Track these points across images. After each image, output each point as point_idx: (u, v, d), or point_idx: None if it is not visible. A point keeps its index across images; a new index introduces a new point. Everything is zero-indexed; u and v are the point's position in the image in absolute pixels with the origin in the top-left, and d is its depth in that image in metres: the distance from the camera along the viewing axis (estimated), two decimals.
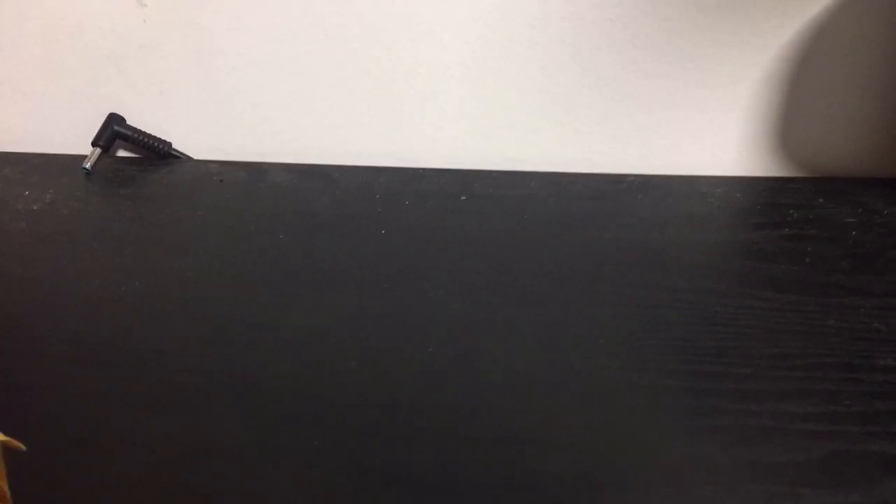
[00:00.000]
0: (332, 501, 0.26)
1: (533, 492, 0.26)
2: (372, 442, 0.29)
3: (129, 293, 0.39)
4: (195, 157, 0.60)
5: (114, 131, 0.58)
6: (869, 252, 0.43)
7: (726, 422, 0.30)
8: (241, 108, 0.58)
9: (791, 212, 0.49)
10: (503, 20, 0.52)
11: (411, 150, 0.57)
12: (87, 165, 0.57)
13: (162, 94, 0.58)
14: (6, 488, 0.24)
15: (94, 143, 0.58)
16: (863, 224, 0.47)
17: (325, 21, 0.54)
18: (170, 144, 0.60)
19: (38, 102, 0.60)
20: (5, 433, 0.24)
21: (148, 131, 0.59)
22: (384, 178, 0.52)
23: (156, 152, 0.60)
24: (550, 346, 0.34)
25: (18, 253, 0.44)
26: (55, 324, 0.37)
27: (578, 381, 0.32)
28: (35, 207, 0.50)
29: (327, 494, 0.26)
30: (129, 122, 0.60)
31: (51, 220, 0.48)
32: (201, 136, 0.60)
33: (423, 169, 0.55)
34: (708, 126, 0.55)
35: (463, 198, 0.49)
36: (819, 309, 0.38)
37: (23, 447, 0.24)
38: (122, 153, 0.62)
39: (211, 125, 0.59)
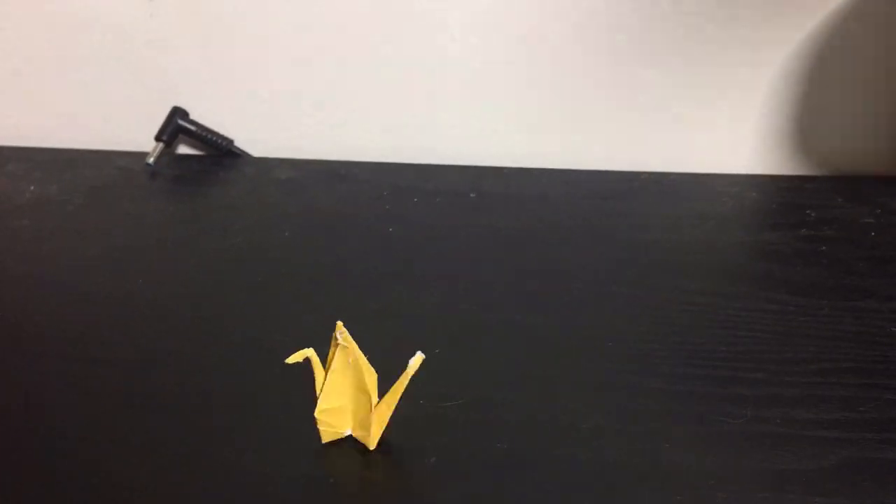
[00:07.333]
0: None
1: (538, 498, 0.26)
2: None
3: (133, 292, 0.39)
4: (204, 153, 0.60)
5: (177, 126, 0.56)
6: (887, 254, 0.43)
7: (737, 428, 0.29)
8: (248, 104, 0.58)
9: (808, 212, 0.48)
10: (515, 14, 0.51)
11: (420, 146, 0.57)
12: (150, 160, 0.55)
13: (169, 89, 0.58)
14: None
15: (157, 138, 0.55)
16: (882, 225, 0.46)
17: (332, 16, 0.53)
18: (231, 141, 0.58)
19: (43, 97, 0.60)
20: (5, 432, 0.23)
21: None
22: (392, 175, 0.52)
23: (217, 149, 0.58)
24: (558, 348, 0.34)
25: (20, 250, 0.44)
26: (56, 322, 0.37)
27: (586, 383, 0.31)
28: (41, 203, 0.50)
29: (331, 498, 0.26)
30: (132, 115, 0.58)
31: (55, 216, 0.48)
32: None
33: (432, 165, 0.55)
34: (724, 123, 0.54)
35: (472, 195, 0.48)
36: (835, 312, 0.37)
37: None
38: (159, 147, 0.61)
39: (218, 121, 0.59)
